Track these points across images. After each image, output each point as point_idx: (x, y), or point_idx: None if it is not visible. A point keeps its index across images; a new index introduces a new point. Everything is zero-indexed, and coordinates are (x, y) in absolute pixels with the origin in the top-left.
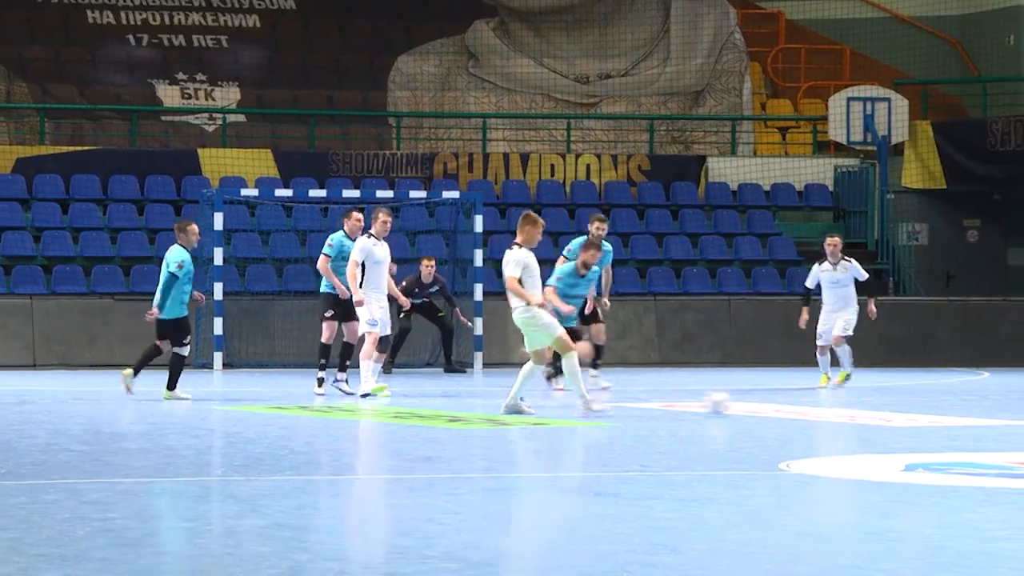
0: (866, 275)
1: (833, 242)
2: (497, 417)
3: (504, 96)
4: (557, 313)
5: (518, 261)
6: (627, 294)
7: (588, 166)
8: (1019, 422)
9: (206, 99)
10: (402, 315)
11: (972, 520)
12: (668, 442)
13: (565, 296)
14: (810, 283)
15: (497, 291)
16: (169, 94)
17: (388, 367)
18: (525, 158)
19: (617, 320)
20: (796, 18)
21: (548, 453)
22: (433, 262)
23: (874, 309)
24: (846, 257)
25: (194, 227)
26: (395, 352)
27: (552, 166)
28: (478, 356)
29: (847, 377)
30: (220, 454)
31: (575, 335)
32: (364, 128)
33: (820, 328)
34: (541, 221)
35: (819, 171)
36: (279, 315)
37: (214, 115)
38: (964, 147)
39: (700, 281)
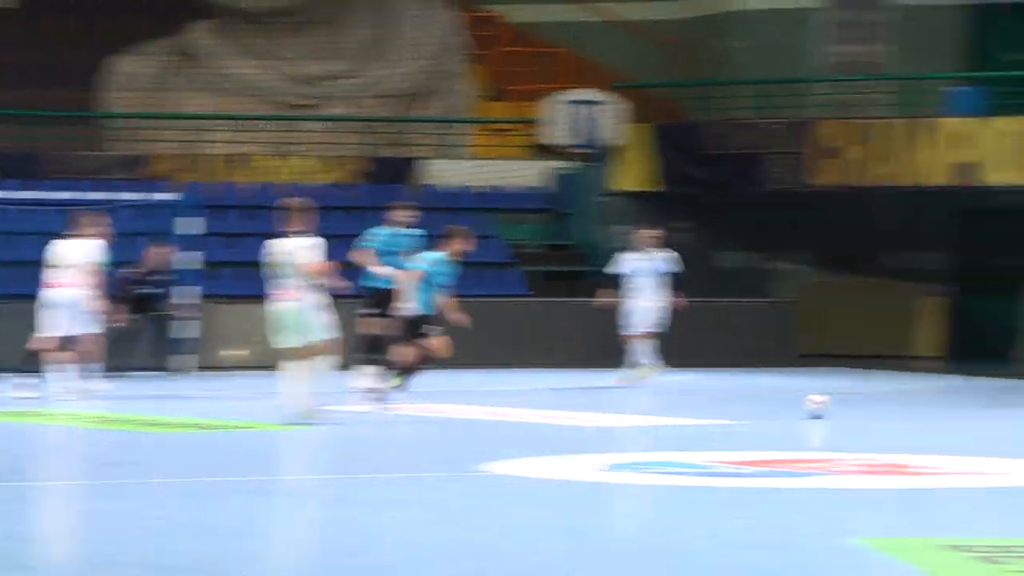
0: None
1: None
2: (199, 421)
3: (222, 98)
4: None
5: (315, 243)
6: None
7: (307, 168)
8: (719, 421)
9: None
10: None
11: (671, 518)
12: (370, 444)
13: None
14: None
15: (217, 292)
16: None
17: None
18: (244, 160)
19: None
20: (517, 21)
21: (250, 457)
22: (168, 249)
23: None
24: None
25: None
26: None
27: (270, 168)
28: (190, 359)
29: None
30: None
31: (425, 334)
32: (78, 129)
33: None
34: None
35: (537, 173)
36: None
37: None
38: (681, 150)
39: None
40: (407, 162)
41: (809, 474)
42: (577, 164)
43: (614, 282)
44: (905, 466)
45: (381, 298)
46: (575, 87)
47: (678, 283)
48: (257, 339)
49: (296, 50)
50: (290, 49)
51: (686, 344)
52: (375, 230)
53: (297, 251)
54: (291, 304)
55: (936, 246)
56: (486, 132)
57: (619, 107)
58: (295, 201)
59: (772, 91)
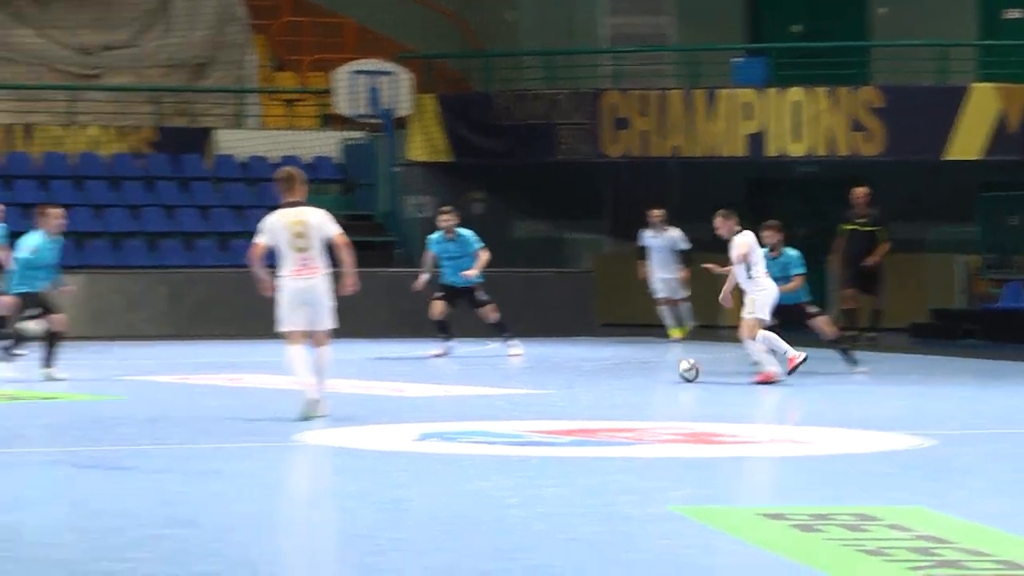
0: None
1: (656, 214)
2: (7, 392)
3: (5, 67)
4: None
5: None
6: (136, 267)
7: (94, 138)
8: (527, 391)
9: None
10: None
11: (484, 488)
12: (182, 415)
13: None
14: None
15: None
16: None
17: None
18: (29, 129)
19: (126, 293)
20: None
21: (60, 427)
22: None
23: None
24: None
25: (53, 211)
26: None
27: (57, 138)
28: None
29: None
30: None
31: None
32: None
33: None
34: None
35: (326, 144)
36: None
37: None
38: (468, 121)
39: (210, 253)
40: (199, 132)
41: (621, 443)
42: (366, 135)
43: (641, 254)
44: (716, 435)
45: None
46: (360, 58)
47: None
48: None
49: (72, 20)
50: (66, 19)
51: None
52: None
53: (324, 223)
54: (316, 280)
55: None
56: (275, 102)
57: (405, 78)
58: (296, 170)
59: (557, 62)
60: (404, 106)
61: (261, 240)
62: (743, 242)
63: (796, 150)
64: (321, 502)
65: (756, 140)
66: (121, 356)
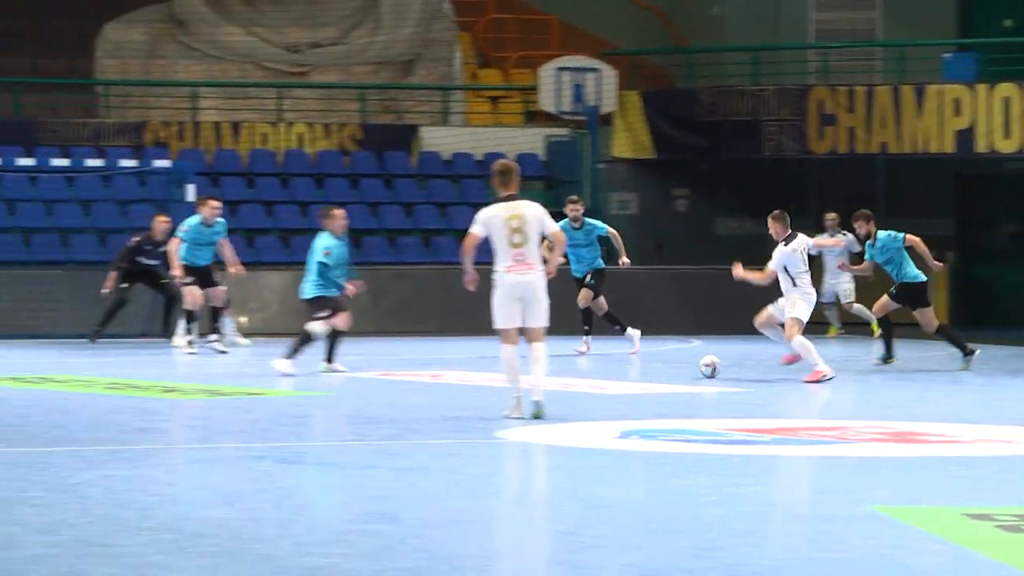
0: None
1: (830, 217)
2: (214, 388)
3: (214, 64)
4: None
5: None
6: (349, 265)
7: (300, 135)
8: (728, 389)
9: None
10: (124, 285)
11: (683, 486)
12: (385, 411)
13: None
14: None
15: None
16: None
17: (94, 337)
18: (236, 127)
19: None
20: None
21: (265, 423)
22: (168, 220)
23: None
24: (843, 231)
25: (337, 212)
26: (106, 322)
27: (264, 135)
28: (193, 326)
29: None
30: None
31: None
32: (72, 96)
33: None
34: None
35: (530, 140)
36: None
37: None
38: (672, 117)
39: (415, 250)
40: (404, 129)
41: (823, 442)
42: (570, 131)
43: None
44: (921, 434)
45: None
46: (564, 54)
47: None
48: (255, 306)
49: (281, 18)
50: (275, 17)
51: (690, 314)
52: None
53: (542, 218)
54: (532, 276)
55: (936, 213)
56: (479, 99)
57: (609, 74)
58: (513, 163)
59: (763, 58)
60: (608, 103)
61: (476, 231)
62: (803, 245)
63: (1006, 147)
64: (522, 499)
65: (965, 136)
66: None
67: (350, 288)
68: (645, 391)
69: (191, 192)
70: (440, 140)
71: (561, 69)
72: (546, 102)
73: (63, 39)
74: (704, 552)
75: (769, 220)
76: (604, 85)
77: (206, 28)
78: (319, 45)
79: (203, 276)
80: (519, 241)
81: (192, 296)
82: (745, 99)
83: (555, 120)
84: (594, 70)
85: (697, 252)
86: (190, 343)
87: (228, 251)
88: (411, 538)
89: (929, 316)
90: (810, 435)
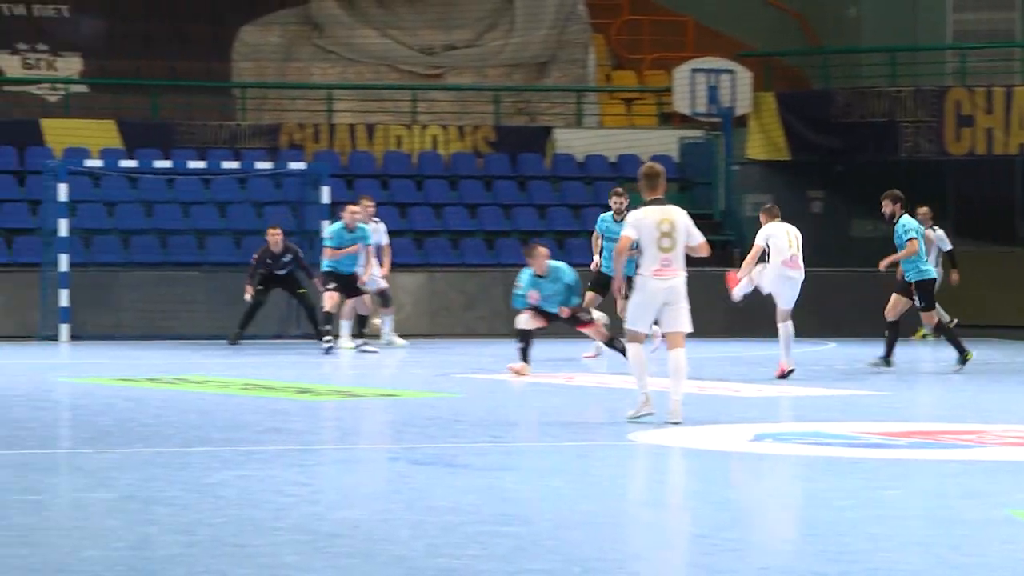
0: (950, 246)
1: (922, 211)
2: (347, 389)
3: (349, 67)
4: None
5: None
6: (474, 265)
7: (434, 137)
8: (864, 392)
9: (48, 69)
10: (260, 287)
11: (818, 489)
12: (518, 413)
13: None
14: None
15: None
16: (10, 64)
17: (235, 339)
18: (371, 129)
19: (465, 292)
20: None
21: (398, 424)
22: (279, 231)
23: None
24: (934, 226)
25: (541, 250)
26: (245, 325)
27: (398, 137)
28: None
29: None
30: (67, 427)
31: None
32: (208, 99)
33: None
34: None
35: (664, 142)
36: (125, 287)
37: (56, 85)
38: (807, 118)
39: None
40: (538, 131)
41: (960, 446)
42: (704, 133)
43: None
44: None
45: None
46: (699, 56)
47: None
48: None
49: (416, 20)
50: (410, 19)
51: (825, 316)
52: None
53: (690, 227)
54: (676, 281)
55: None
56: (613, 101)
57: (744, 76)
58: (660, 167)
59: (899, 59)
60: (743, 104)
61: (630, 233)
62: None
63: None
64: (655, 501)
65: None
66: (458, 353)
67: (564, 311)
68: (780, 394)
69: (326, 194)
70: (574, 142)
71: (696, 70)
72: (680, 104)
73: (200, 42)
74: (840, 556)
75: (885, 200)
76: (739, 86)
77: (342, 30)
78: (454, 47)
79: (347, 283)
80: (668, 246)
81: (331, 300)
82: (881, 100)
83: (689, 122)
84: (729, 71)
85: (831, 254)
86: (357, 346)
87: (369, 257)
88: (545, 540)
89: (927, 317)
90: (947, 439)
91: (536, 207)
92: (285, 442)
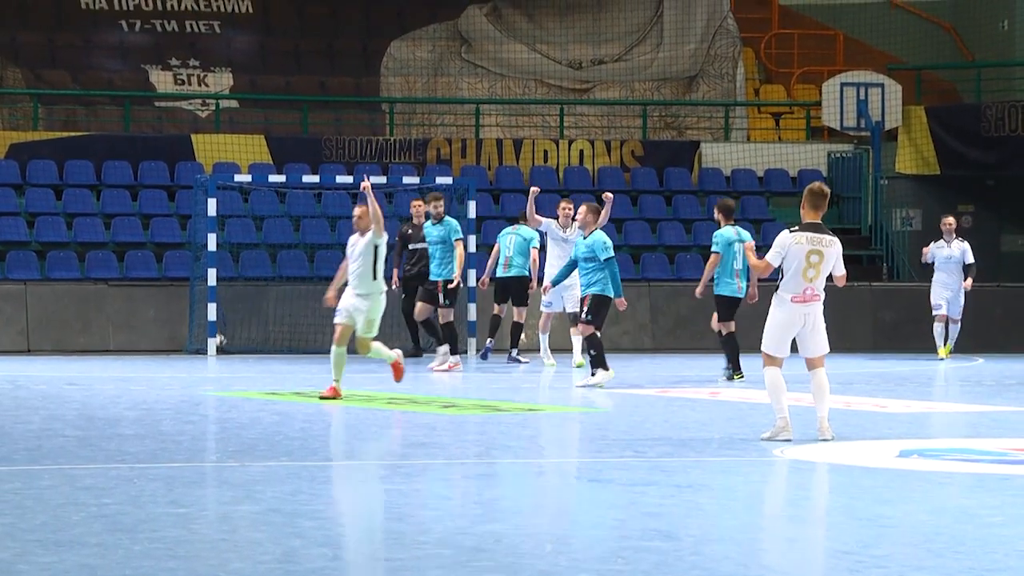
0: (972, 259)
1: (948, 222)
2: (491, 403)
3: (497, 81)
4: None
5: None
6: (622, 280)
7: (581, 152)
8: (1014, 408)
9: (199, 84)
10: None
11: (967, 506)
12: (662, 428)
13: None
14: (927, 259)
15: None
16: (162, 79)
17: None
18: (518, 144)
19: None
20: (789, 3)
21: (542, 439)
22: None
23: (969, 284)
24: (959, 237)
25: None
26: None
27: (545, 152)
28: (471, 341)
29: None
30: (215, 440)
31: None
32: (357, 114)
33: (935, 300)
34: None
35: (813, 156)
36: (273, 301)
37: (207, 101)
38: (958, 132)
39: (694, 267)
40: (686, 145)
41: None
42: (853, 147)
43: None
44: None
45: None
46: (848, 69)
47: (970, 271)
48: (532, 321)
49: (564, 34)
50: (558, 34)
51: (975, 331)
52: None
53: (838, 261)
54: (816, 306)
55: None
56: (762, 115)
57: (894, 89)
58: (827, 188)
59: None
60: (892, 118)
61: (774, 261)
62: None
63: None
64: (801, 517)
65: None
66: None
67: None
68: (927, 410)
69: (472, 209)
70: (721, 156)
71: (845, 84)
72: (829, 117)
73: (350, 57)
74: (989, 573)
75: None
76: (889, 100)
77: (490, 45)
78: (602, 62)
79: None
80: (813, 276)
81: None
82: None
83: (838, 136)
84: (878, 85)
85: (982, 268)
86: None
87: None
88: (688, 555)
89: None
90: None
91: (683, 221)
92: (429, 456)
